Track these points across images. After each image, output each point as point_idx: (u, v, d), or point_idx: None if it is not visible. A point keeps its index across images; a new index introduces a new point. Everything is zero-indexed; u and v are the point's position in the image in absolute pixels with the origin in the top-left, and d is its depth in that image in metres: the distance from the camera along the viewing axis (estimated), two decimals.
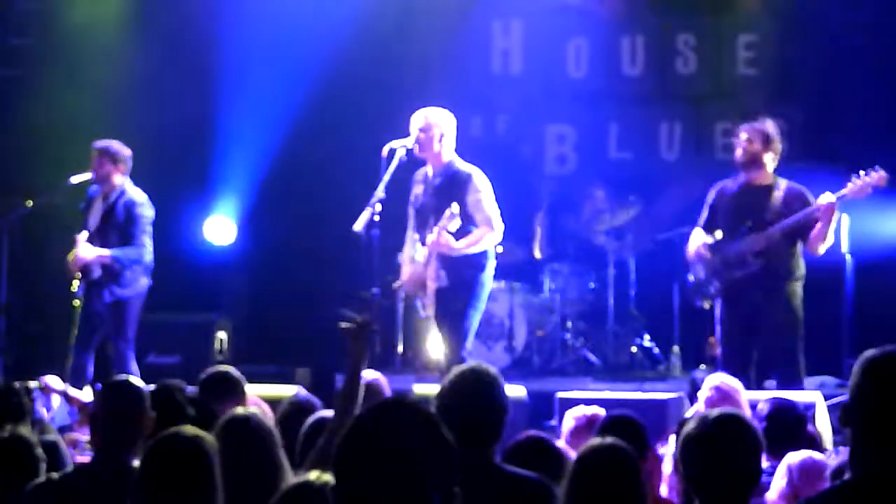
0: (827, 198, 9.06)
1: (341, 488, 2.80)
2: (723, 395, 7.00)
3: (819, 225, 9.09)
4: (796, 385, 9.00)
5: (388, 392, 6.94)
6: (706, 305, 9.64)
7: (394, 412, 2.85)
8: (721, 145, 13.18)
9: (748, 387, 8.52)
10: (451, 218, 8.85)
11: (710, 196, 9.65)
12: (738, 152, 9.40)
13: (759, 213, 9.30)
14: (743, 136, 9.39)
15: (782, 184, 9.37)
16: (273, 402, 6.91)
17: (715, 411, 4.12)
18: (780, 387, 8.89)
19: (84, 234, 9.94)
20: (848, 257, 11.07)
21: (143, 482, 4.14)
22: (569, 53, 13.59)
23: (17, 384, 6.88)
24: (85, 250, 9.86)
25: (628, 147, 13.47)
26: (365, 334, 5.30)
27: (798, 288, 9.35)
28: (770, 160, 9.36)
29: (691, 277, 9.62)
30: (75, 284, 10.01)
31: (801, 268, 9.37)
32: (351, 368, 5.25)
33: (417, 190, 9.42)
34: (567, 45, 13.58)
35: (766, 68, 13.06)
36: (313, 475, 3.95)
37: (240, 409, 5.19)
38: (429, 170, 9.35)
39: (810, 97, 12.41)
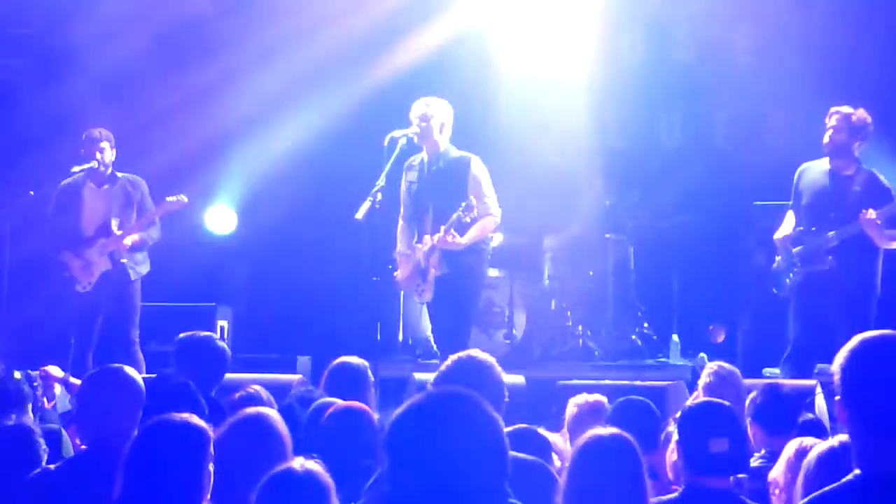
0: (868, 214, 8.97)
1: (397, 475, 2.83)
2: (721, 381, 7.02)
3: (870, 234, 9.05)
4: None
5: (371, 379, 6.95)
6: (781, 294, 9.58)
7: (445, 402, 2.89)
8: (721, 134, 13.20)
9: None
10: (468, 210, 8.94)
11: (795, 176, 9.54)
12: (825, 139, 9.26)
13: (836, 207, 9.21)
14: (832, 121, 9.25)
15: (864, 174, 9.25)
16: (275, 390, 6.94)
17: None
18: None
19: (115, 222, 10.08)
20: None
21: (131, 465, 4.13)
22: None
23: (18, 372, 6.91)
24: (125, 239, 10.01)
25: (627, 135, 13.46)
26: None
27: (876, 285, 9.23)
28: (856, 148, 9.26)
29: (775, 264, 9.57)
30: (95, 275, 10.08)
31: (878, 265, 9.23)
32: None
33: (411, 177, 9.49)
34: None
35: (767, 56, 13.04)
36: (297, 462, 3.98)
37: (251, 409, 5.18)
38: (424, 156, 9.41)
39: (810, 87, 12.39)
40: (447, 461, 2.79)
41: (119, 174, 10.27)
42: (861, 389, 3.32)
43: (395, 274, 9.64)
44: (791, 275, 9.40)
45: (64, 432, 6.20)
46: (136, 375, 5.31)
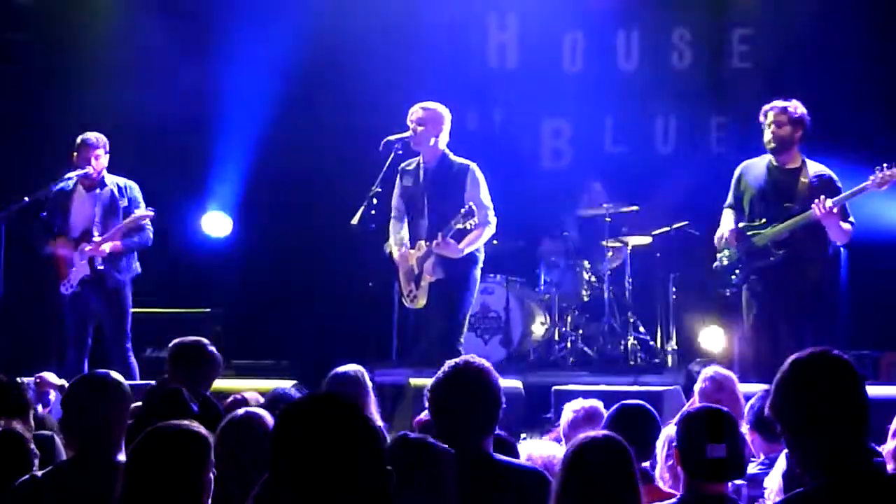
0: (824, 205, 8.92)
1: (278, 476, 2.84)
2: (717, 387, 7.00)
3: (826, 227, 9.01)
4: None
5: (369, 385, 6.94)
6: (726, 293, 9.54)
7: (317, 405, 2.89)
8: (716, 139, 13.21)
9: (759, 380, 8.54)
10: (468, 217, 8.93)
11: (736, 175, 9.50)
12: (767, 136, 9.22)
13: (784, 199, 9.17)
14: (770, 118, 9.20)
15: (811, 168, 9.22)
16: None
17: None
18: None
19: (96, 228, 10.07)
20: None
21: (132, 472, 4.11)
22: (564, 48, 13.60)
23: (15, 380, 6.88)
24: (103, 245, 9.99)
25: (624, 141, 13.48)
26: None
27: (825, 272, 9.22)
28: (798, 140, 9.17)
29: (716, 264, 9.52)
30: (74, 278, 10.06)
31: (828, 251, 9.18)
32: None
33: (407, 181, 9.48)
34: (563, 40, 13.59)
35: (761, 62, 13.07)
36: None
37: (241, 410, 5.16)
38: (421, 161, 9.41)
39: (805, 90, 12.38)
40: (325, 468, 2.81)
41: (110, 178, 10.24)
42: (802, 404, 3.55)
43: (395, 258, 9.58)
44: (737, 272, 9.35)
45: (58, 438, 6.17)
46: (122, 380, 5.28)
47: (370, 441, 2.90)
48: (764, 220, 9.24)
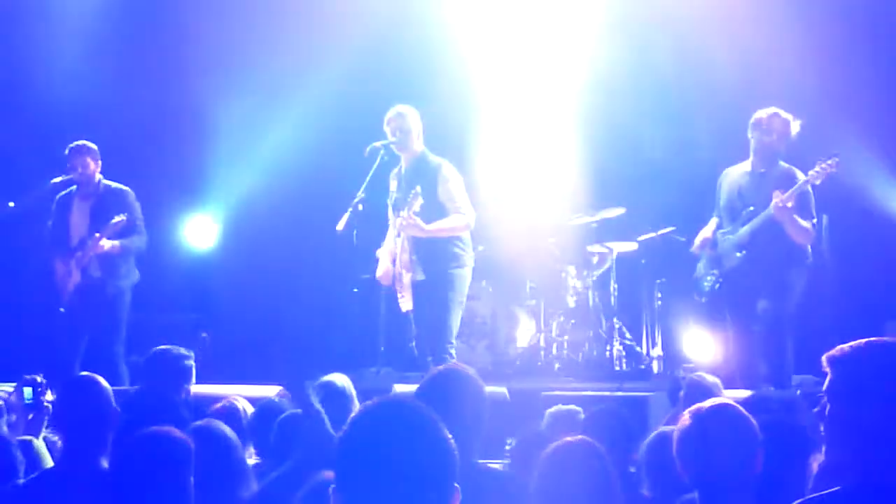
0: (775, 202, 8.97)
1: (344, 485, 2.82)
2: (702, 393, 7.02)
3: (784, 225, 9.04)
4: (784, 380, 8.96)
5: (354, 393, 6.94)
6: (702, 300, 9.56)
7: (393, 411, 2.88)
8: (703, 146, 13.23)
9: (744, 385, 8.58)
10: (415, 197, 8.94)
11: (718, 184, 9.55)
12: (757, 144, 9.27)
13: (753, 201, 9.22)
14: (762, 124, 9.24)
15: (779, 170, 9.26)
16: (256, 402, 6.93)
17: (707, 403, 4.11)
18: (766, 381, 8.88)
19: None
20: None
21: (117, 479, 4.11)
22: None
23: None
24: (104, 244, 9.98)
25: (611, 146, 13.50)
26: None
27: (791, 275, 9.24)
28: (782, 148, 9.25)
29: (696, 273, 9.55)
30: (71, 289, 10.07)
31: (791, 251, 9.22)
32: None
33: (393, 186, 9.53)
34: None
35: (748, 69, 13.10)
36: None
37: (203, 421, 5.16)
38: (402, 165, 9.45)
39: (788, 97, 12.42)
40: (395, 473, 2.79)
41: (105, 185, 10.24)
42: (846, 405, 3.34)
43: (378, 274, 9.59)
44: (709, 278, 9.38)
45: (37, 442, 6.15)
46: (107, 385, 5.28)
47: (446, 451, 2.89)
48: (732, 226, 9.31)
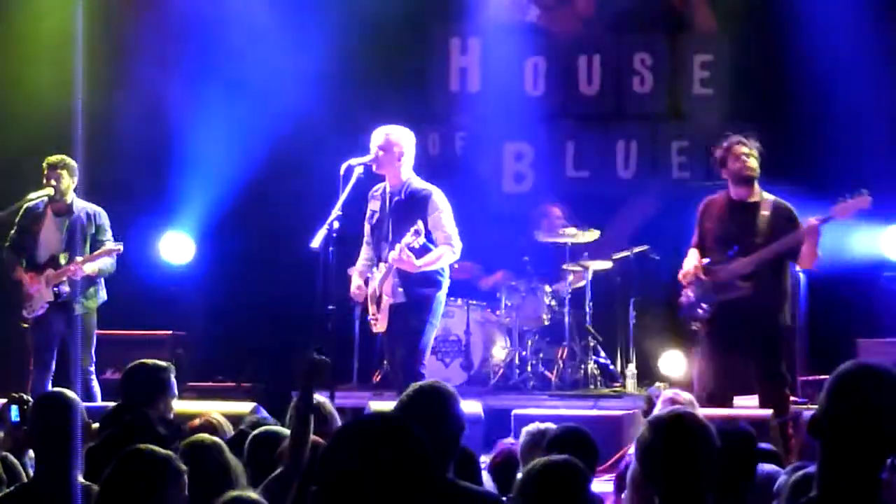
0: (811, 221, 9.04)
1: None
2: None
3: (805, 246, 9.07)
4: (784, 407, 8.99)
5: (335, 413, 6.90)
6: (696, 328, 9.56)
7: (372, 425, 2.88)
8: (677, 164, 13.31)
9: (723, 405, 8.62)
10: (417, 235, 8.90)
11: (699, 213, 9.55)
12: (738, 167, 9.24)
13: (747, 234, 9.21)
14: (742, 150, 9.21)
15: (768, 201, 9.26)
16: (230, 418, 6.91)
17: (665, 412, 4.12)
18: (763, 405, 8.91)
19: (64, 256, 10.06)
20: (801, 275, 11.12)
21: (104, 498, 4.11)
22: (526, 71, 13.69)
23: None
24: (68, 272, 9.97)
25: (585, 165, 13.56)
26: (320, 376, 5.09)
27: (787, 308, 9.32)
28: (758, 175, 9.26)
29: (683, 299, 9.53)
30: (36, 304, 10.05)
31: (788, 287, 9.36)
32: (301, 411, 4.99)
33: (374, 206, 9.45)
34: (525, 64, 13.68)
35: (722, 88, 13.19)
36: (249, 492, 3.97)
37: (194, 438, 5.13)
38: (387, 186, 9.38)
39: (765, 117, 12.49)
40: (378, 487, 2.80)
41: (79, 204, 10.23)
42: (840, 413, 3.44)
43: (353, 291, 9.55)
44: (704, 305, 9.37)
45: (9, 457, 6.11)
46: (77, 399, 5.27)
47: (424, 463, 2.90)
48: (728, 256, 9.29)
